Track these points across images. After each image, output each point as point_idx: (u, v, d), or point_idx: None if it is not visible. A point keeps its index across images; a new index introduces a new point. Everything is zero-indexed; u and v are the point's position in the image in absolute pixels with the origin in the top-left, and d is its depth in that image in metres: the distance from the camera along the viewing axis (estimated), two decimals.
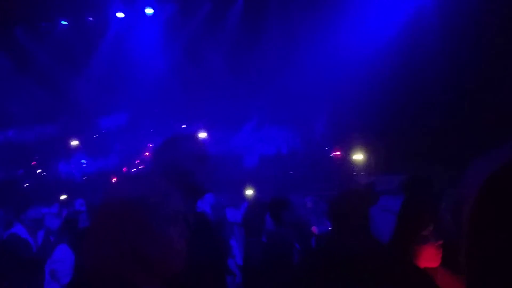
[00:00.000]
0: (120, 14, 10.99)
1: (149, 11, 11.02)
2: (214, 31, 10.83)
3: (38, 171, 12.51)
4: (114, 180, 11.92)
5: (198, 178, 1.68)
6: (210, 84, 11.14)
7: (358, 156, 10.51)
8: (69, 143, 12.34)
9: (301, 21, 9.74)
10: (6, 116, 11.92)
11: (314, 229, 4.04)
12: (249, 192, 8.09)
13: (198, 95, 11.12)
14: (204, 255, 1.61)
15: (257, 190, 7.93)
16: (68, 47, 11.26)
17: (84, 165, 12.31)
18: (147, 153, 11.85)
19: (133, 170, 11.72)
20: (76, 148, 12.42)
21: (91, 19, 11.17)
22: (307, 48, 9.71)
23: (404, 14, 8.91)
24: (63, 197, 10.05)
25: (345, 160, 10.95)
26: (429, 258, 1.80)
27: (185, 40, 11.07)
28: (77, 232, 2.89)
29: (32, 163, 12.44)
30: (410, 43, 8.63)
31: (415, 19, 8.76)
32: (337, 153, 11.39)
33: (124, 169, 11.80)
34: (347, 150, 10.77)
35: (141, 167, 11.71)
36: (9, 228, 4.84)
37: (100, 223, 1.11)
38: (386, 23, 8.93)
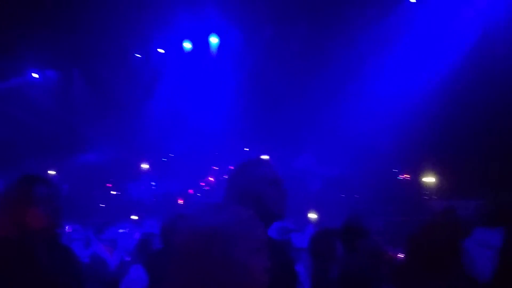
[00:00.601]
0: (187, 45, 11.64)
1: (214, 40, 11.54)
2: (277, 55, 11.00)
3: (113, 192, 13.36)
4: (180, 202, 12.43)
5: (271, 202, 1.68)
6: (271, 106, 11.28)
7: (429, 179, 9.91)
8: (140, 166, 13.09)
9: (366, 41, 9.57)
10: (86, 140, 13.06)
11: (394, 258, 3.75)
12: (313, 215, 7.94)
13: (260, 117, 11.30)
14: (274, 283, 1.58)
15: (322, 214, 7.75)
16: (139, 75, 12.16)
17: (153, 187, 12.95)
18: (211, 178, 12.17)
19: (197, 194, 12.07)
20: (146, 170, 13.13)
21: (161, 51, 11.98)
22: (372, 66, 9.50)
23: (473, 33, 8.42)
24: (134, 217, 10.59)
25: (415, 183, 10.37)
26: None
27: (249, 65, 11.38)
28: (152, 254, 3.01)
29: (107, 185, 13.33)
30: (483, 62, 8.11)
31: (486, 36, 8.22)
32: (406, 175, 10.84)
33: (190, 191, 12.21)
34: (417, 172, 10.21)
35: (206, 189, 12.03)
36: (88, 247, 5.19)
37: (181, 251, 1.11)
38: (459, 40, 8.50)
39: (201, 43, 11.80)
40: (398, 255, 4.00)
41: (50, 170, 13.92)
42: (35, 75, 13.85)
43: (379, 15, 9.33)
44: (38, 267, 1.69)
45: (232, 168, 1.88)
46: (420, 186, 10.12)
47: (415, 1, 9.05)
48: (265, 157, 11.00)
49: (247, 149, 11.87)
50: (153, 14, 9.35)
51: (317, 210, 7.92)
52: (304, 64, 10.54)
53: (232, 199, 1.69)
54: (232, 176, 1.83)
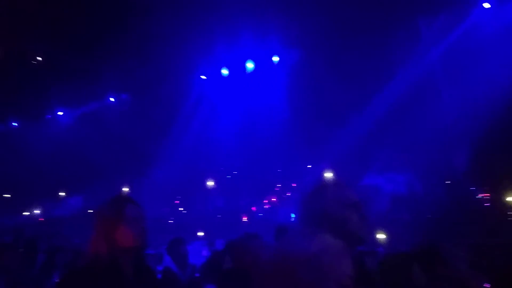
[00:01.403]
0: (249, 65, 11.96)
1: (275, 59, 11.73)
2: (339, 70, 10.86)
3: (180, 209, 13.86)
4: (244, 219, 12.55)
5: (354, 227, 1.61)
6: (335, 123, 11.10)
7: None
8: (206, 183, 13.49)
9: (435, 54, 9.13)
10: (154, 159, 13.80)
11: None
12: (382, 237, 7.57)
13: (321, 135, 11.16)
14: None
15: (391, 235, 7.36)
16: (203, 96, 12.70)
17: (218, 204, 13.25)
18: (274, 195, 12.17)
19: (259, 213, 12.11)
20: (212, 188, 13.48)
21: (224, 71, 12.43)
22: (443, 79, 9.01)
23: None
24: (200, 234, 10.86)
25: (496, 202, 9.51)
26: None
27: (310, 81, 11.36)
28: (224, 272, 3.03)
29: (176, 202, 13.88)
30: None
31: None
32: (485, 194, 9.99)
33: (253, 208, 12.29)
34: (498, 191, 9.37)
35: (267, 207, 12.04)
36: (161, 262, 5.39)
37: (265, 273, 1.10)
38: None
39: (261, 63, 12.05)
40: (485, 285, 3.64)
41: (124, 188, 14.87)
42: (112, 99, 15.09)
43: (447, 25, 8.89)
44: (125, 285, 1.78)
45: (308, 189, 1.83)
46: (503, 206, 9.25)
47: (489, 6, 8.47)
48: (328, 173, 10.79)
49: (309, 166, 11.74)
50: (219, 36, 9.74)
51: (387, 231, 7.52)
52: (368, 79, 10.28)
53: (311, 222, 1.64)
54: (309, 198, 1.78)
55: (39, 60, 12.43)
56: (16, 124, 15.56)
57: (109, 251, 1.82)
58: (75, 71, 12.07)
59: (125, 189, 15.73)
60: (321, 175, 10.27)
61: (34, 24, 9.78)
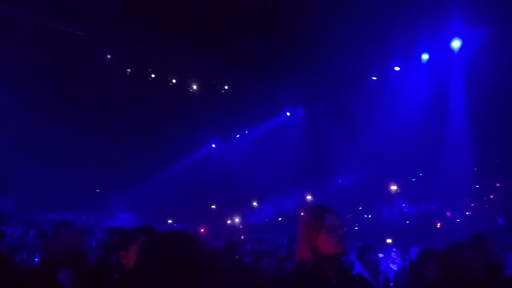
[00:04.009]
0: (425, 56, 11.02)
1: (456, 44, 10.46)
2: None
3: (365, 215, 13.57)
4: (438, 225, 11.39)
5: None
6: None
7: None
8: (389, 188, 12.87)
9: None
10: (335, 166, 13.98)
11: None
12: None
13: None
14: None
15: None
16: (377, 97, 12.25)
17: (405, 210, 12.44)
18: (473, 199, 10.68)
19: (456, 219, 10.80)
20: (396, 192, 12.77)
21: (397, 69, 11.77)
22: None
23: None
24: (388, 241, 10.37)
25: None
26: None
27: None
28: (427, 283, 2.80)
29: (359, 208, 13.69)
30: None
31: None
32: None
33: (448, 213, 11.05)
34: None
35: (468, 213, 10.62)
36: (351, 269, 5.37)
37: None
38: None
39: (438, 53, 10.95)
40: None
41: (307, 196, 15.56)
42: (288, 114, 16.16)
43: None
44: None
45: None
46: None
47: None
48: None
49: None
50: (393, 31, 9.31)
51: None
52: None
53: None
54: None
55: (226, 88, 14.35)
56: (214, 146, 18.23)
57: (314, 258, 1.95)
58: (255, 94, 13.44)
59: (309, 197, 16.43)
60: None
61: (224, 57, 11.34)
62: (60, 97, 11.88)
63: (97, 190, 16.50)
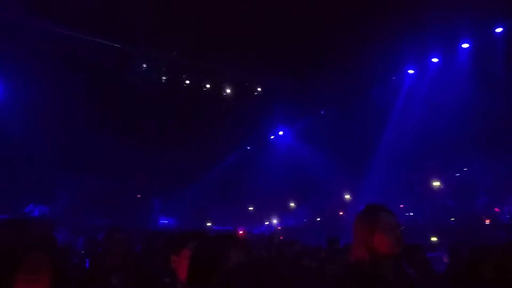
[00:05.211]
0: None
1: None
2: None
3: (411, 214, 13.12)
4: (487, 222, 10.85)
5: None
6: None
7: None
8: (431, 184, 12.44)
9: None
10: (369, 165, 13.68)
11: None
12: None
13: None
14: None
15: None
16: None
17: (449, 206, 11.96)
18: None
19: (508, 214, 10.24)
20: (439, 188, 12.32)
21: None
22: None
23: None
24: (434, 239, 10.01)
25: None
26: None
27: None
28: (482, 283, 2.69)
29: (400, 206, 13.28)
30: None
31: None
32: None
33: (497, 209, 10.52)
34: None
35: None
36: None
37: None
38: None
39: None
40: None
41: (346, 195, 15.35)
42: (322, 112, 15.99)
43: None
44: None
45: None
46: None
47: None
48: None
49: None
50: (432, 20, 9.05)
51: None
52: None
53: None
54: None
55: (259, 91, 14.39)
56: (249, 148, 18.33)
57: (370, 259, 1.91)
58: (288, 94, 13.41)
59: (347, 197, 16.18)
60: None
61: (256, 59, 11.41)
62: (100, 108, 12.41)
63: (138, 196, 17.01)
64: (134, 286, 3.23)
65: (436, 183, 12.35)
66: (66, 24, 10.16)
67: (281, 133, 17.48)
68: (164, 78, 12.90)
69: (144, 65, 12.54)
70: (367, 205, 2.09)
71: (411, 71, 12.28)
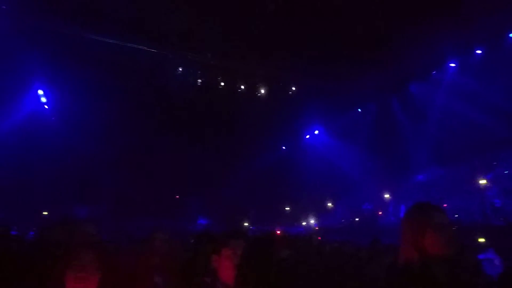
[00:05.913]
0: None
1: None
2: None
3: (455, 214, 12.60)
4: None
5: None
6: None
7: None
8: (477, 182, 11.85)
9: None
10: (413, 160, 13.26)
11: None
12: None
13: None
14: None
15: None
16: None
17: (498, 205, 11.34)
18: None
19: None
20: (486, 187, 11.71)
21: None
22: None
23: None
24: (481, 240, 9.52)
25: None
26: None
27: None
28: None
29: (444, 205, 12.76)
30: None
31: None
32: None
33: None
34: None
35: None
36: None
37: None
38: None
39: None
40: None
41: (385, 194, 14.93)
42: (359, 110, 15.72)
43: None
44: None
45: None
46: None
47: None
48: None
49: None
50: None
51: None
52: None
53: None
54: None
55: (294, 90, 14.31)
56: (284, 148, 18.26)
57: (421, 259, 1.82)
58: (324, 93, 13.26)
59: (386, 196, 15.73)
60: None
61: (289, 58, 11.36)
62: (139, 110, 12.83)
63: (177, 197, 17.37)
64: (176, 285, 3.28)
65: (483, 182, 11.73)
66: (106, 33, 10.63)
67: (316, 132, 17.29)
68: (199, 80, 13.12)
69: (180, 69, 12.84)
70: (416, 203, 1.97)
71: (452, 65, 11.77)
